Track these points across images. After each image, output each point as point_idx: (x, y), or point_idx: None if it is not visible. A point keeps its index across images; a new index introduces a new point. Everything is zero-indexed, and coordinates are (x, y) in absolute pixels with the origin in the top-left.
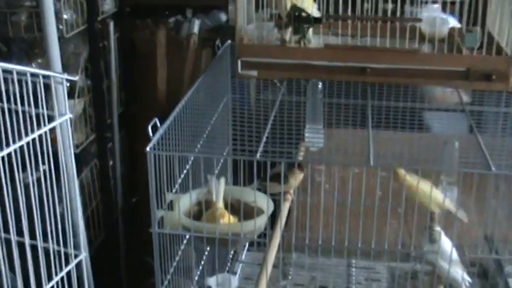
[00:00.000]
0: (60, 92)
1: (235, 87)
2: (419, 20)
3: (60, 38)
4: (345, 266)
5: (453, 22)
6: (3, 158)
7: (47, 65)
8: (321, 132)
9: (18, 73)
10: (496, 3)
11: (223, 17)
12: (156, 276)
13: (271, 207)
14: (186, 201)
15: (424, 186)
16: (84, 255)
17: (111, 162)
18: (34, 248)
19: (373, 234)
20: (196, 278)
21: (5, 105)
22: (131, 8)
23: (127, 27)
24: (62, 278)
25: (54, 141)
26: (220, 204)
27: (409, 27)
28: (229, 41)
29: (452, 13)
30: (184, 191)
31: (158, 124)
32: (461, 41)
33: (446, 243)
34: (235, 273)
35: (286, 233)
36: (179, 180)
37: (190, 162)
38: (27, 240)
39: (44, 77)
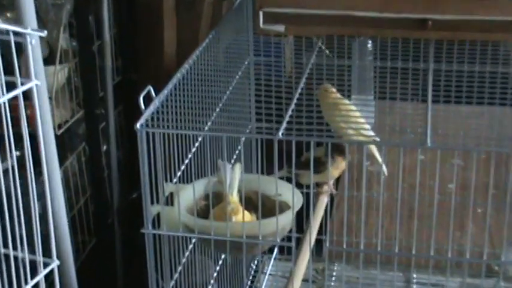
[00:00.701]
0: (29, 53)
1: (259, 47)
2: None
3: None
4: (402, 282)
5: None
6: None
7: (18, 20)
8: (371, 105)
9: None
10: None
11: None
12: None
13: (300, 202)
14: (189, 194)
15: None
16: (56, 263)
17: (104, 147)
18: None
19: (450, 240)
20: None
21: None
22: None
23: None
24: None
25: (31, 119)
26: (234, 197)
27: None
28: None
29: None
30: (187, 181)
31: (153, 93)
32: None
33: None
34: None
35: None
36: (182, 167)
37: (196, 144)
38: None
39: (7, 33)
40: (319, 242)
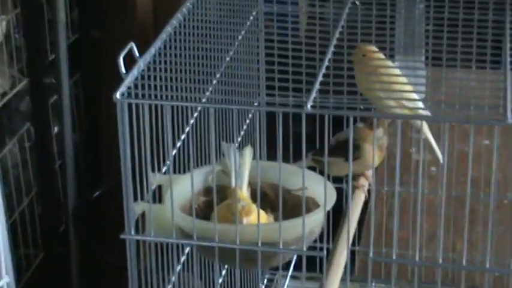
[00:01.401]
0: None
1: None
2: None
3: None
4: None
5: None
6: None
7: None
8: (422, 70)
9: None
10: None
11: None
12: None
13: (332, 199)
14: (184, 188)
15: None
16: (6, 280)
17: (55, 129)
18: None
19: None
20: None
21: None
22: None
23: None
24: None
25: None
26: (245, 192)
27: None
28: None
29: None
30: (182, 170)
31: (136, 53)
32: None
33: None
34: None
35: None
36: (173, 152)
37: (192, 122)
38: None
39: None
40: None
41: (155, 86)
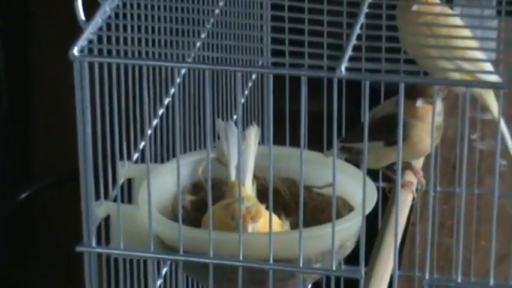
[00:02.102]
0: None
1: None
2: None
3: None
4: None
5: None
6: None
7: None
8: (492, 24)
9: None
10: None
11: None
12: None
13: (373, 200)
14: (165, 183)
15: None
16: None
17: None
18: None
19: None
20: None
21: None
22: None
23: None
24: None
25: None
26: (249, 188)
27: None
28: None
29: None
30: (162, 158)
31: None
32: None
33: None
34: None
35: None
36: (149, 132)
37: (173, 91)
38: None
39: None
40: None
41: (125, 40)
